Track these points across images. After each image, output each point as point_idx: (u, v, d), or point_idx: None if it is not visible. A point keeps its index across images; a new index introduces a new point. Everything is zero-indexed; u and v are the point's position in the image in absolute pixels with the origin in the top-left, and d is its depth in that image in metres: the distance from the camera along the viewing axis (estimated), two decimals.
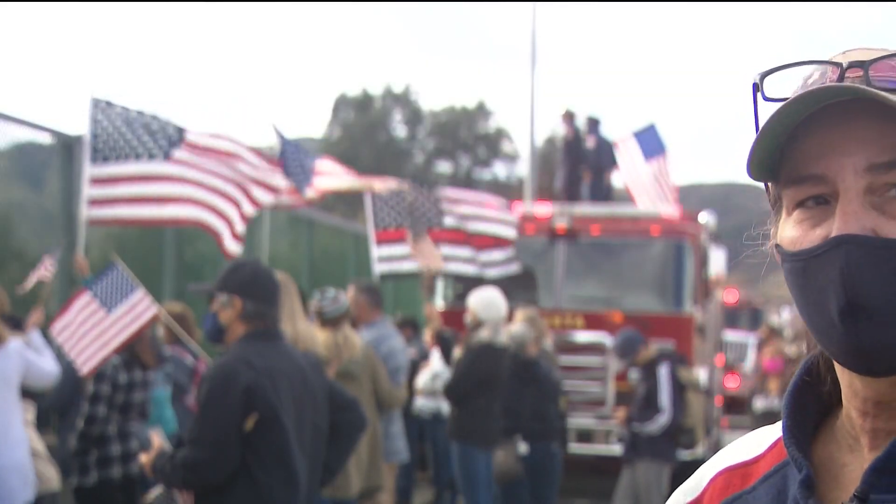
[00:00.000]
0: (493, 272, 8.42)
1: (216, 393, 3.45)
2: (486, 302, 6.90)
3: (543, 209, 11.18)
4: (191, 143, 6.26)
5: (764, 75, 1.00)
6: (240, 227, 6.39)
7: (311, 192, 7.67)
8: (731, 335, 17.97)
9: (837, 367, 1.03)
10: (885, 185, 0.94)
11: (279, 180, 6.73)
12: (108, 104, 6.11)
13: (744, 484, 1.10)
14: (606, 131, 15.20)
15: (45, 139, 7.36)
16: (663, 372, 7.51)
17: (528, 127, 16.72)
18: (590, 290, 10.70)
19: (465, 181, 37.35)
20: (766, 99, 0.99)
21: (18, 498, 5.05)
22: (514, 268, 8.66)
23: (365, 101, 42.09)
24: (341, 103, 42.19)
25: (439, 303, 10.48)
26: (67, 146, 7.04)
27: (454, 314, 9.43)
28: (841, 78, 0.96)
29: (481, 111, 43.00)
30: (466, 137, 42.56)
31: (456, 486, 7.91)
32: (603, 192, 13.79)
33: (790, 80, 1.01)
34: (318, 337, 5.53)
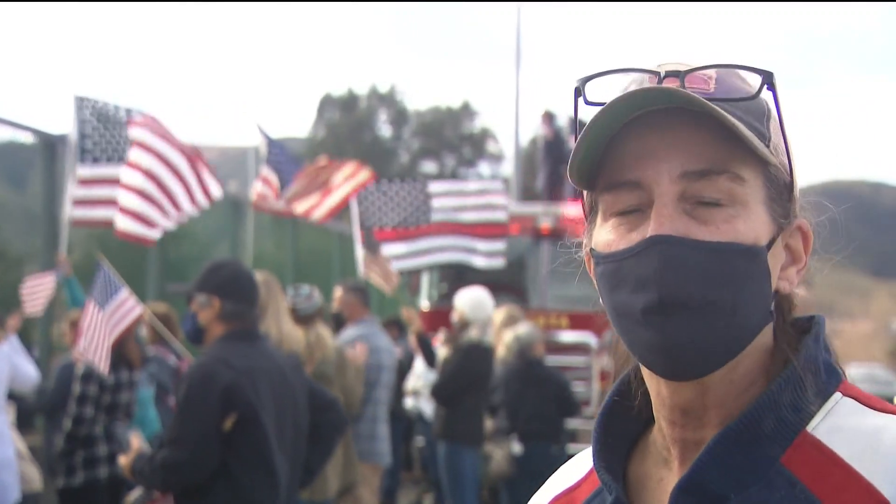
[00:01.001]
0: (482, 261, 8.33)
1: (195, 393, 3.43)
2: (473, 302, 6.87)
3: (527, 209, 11.17)
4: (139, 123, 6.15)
5: (585, 80, 1.01)
6: (168, 222, 6.25)
7: (304, 210, 7.70)
8: None
9: (646, 376, 1.03)
10: (696, 197, 0.95)
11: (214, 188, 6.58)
12: (88, 100, 6.10)
13: None
14: None
15: (27, 139, 7.33)
16: None
17: (513, 127, 16.77)
18: (574, 290, 10.69)
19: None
20: (588, 103, 1.00)
21: (10, 495, 5.06)
22: (500, 262, 8.54)
23: (350, 101, 42.06)
24: (326, 103, 42.15)
25: (424, 303, 10.46)
26: (50, 146, 7.00)
27: (440, 314, 9.41)
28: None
29: (466, 111, 43.04)
30: (451, 137, 42.58)
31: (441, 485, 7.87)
32: None
33: (613, 89, 1.01)
34: (302, 338, 5.46)
